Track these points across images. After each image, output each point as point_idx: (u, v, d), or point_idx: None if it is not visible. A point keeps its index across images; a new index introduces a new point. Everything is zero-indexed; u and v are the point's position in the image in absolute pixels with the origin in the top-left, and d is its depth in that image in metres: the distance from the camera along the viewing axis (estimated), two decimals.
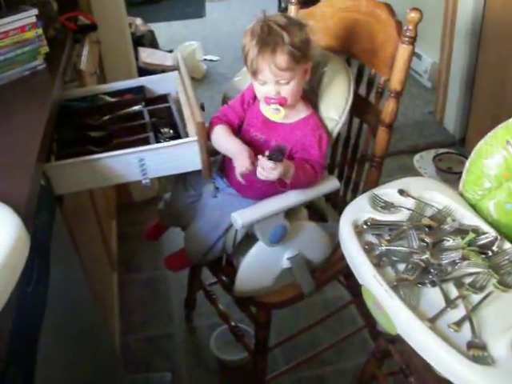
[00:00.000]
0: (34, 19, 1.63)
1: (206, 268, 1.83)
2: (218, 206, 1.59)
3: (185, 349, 2.17)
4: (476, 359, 0.93)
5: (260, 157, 1.34)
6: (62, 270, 1.36)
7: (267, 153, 1.33)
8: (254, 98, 1.57)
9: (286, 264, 1.56)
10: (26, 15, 1.61)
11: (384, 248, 1.18)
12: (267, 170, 1.33)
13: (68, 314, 1.36)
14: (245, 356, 2.01)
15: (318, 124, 1.52)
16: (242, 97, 1.59)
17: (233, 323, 1.98)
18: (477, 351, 0.95)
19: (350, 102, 1.56)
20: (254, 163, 1.40)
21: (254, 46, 1.39)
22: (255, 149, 1.52)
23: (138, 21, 4.19)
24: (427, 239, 1.17)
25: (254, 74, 1.42)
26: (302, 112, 1.52)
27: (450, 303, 1.05)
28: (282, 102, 1.44)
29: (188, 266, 1.77)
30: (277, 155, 1.32)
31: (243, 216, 1.43)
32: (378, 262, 1.15)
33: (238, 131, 1.58)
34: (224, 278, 1.69)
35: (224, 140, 1.53)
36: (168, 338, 2.21)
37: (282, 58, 1.38)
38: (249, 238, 1.54)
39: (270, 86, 1.43)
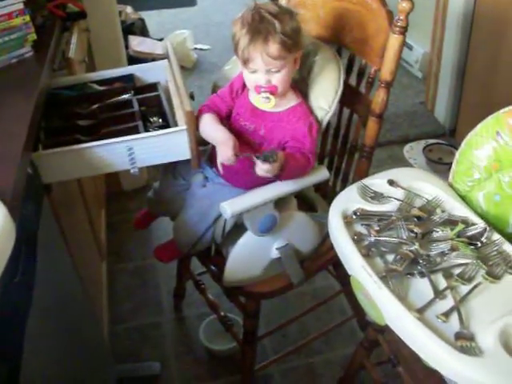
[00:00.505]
0: (21, 6, 1.60)
1: (196, 258, 1.83)
2: (207, 195, 1.58)
3: (173, 338, 2.17)
4: (463, 350, 0.94)
5: (256, 160, 1.36)
6: (50, 260, 1.35)
7: (262, 155, 1.35)
8: (243, 87, 1.56)
9: (275, 254, 1.56)
10: (13, 1, 1.58)
11: (373, 238, 1.18)
12: (264, 170, 1.36)
13: (56, 303, 1.36)
14: (233, 346, 2.01)
15: (308, 112, 1.51)
16: (231, 86, 1.59)
17: (222, 313, 1.97)
18: (464, 342, 0.95)
19: (339, 92, 1.56)
20: (237, 155, 1.41)
21: (245, 34, 1.38)
22: (244, 138, 1.51)
23: (129, 9, 4.16)
24: (416, 230, 1.18)
25: (245, 62, 1.41)
26: (291, 101, 1.52)
27: (438, 294, 1.05)
28: (273, 91, 1.43)
29: (177, 256, 1.77)
30: (272, 156, 1.34)
31: (232, 205, 1.43)
32: (367, 253, 1.15)
33: (226, 120, 1.58)
34: (213, 267, 1.69)
35: (210, 128, 1.52)
36: (157, 328, 2.21)
37: (274, 47, 1.37)
38: (238, 228, 1.54)
39: (261, 74, 1.42)
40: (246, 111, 1.55)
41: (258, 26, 1.37)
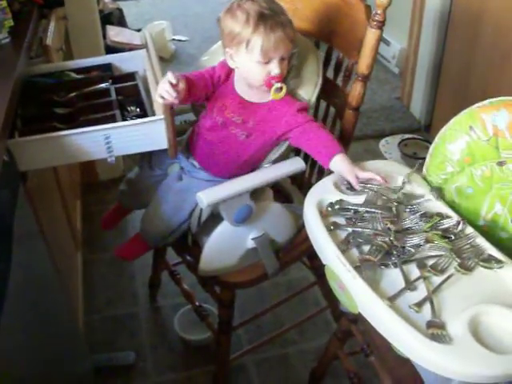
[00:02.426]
0: None
1: (171, 248, 1.83)
2: (182, 189, 1.58)
3: (149, 328, 2.18)
4: (434, 337, 0.96)
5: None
6: (25, 249, 1.34)
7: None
8: (226, 76, 1.55)
9: (250, 244, 1.57)
10: None
11: (348, 229, 1.20)
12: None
13: (30, 293, 1.35)
14: (208, 335, 2.02)
15: (292, 98, 1.52)
16: (214, 70, 1.55)
17: (197, 303, 1.98)
18: (435, 330, 0.97)
19: (319, 85, 1.57)
20: (179, 92, 1.37)
21: (259, 28, 1.37)
22: (231, 129, 1.52)
23: None
24: (391, 227, 1.19)
25: (265, 54, 1.40)
26: None
27: (409, 284, 1.07)
28: (281, 79, 1.45)
29: (143, 253, 1.72)
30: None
31: (208, 195, 1.43)
32: (343, 243, 1.16)
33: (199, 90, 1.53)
34: (189, 257, 1.70)
35: None
36: (132, 318, 2.21)
37: (289, 30, 1.41)
38: (214, 218, 1.54)
39: (275, 63, 1.42)
40: (232, 103, 1.53)
41: (271, 15, 1.38)
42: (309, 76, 1.57)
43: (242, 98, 1.53)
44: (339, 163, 1.39)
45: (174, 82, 1.35)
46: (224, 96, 1.55)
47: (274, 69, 1.43)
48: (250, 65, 1.43)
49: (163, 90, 1.35)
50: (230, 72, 1.54)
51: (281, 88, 1.44)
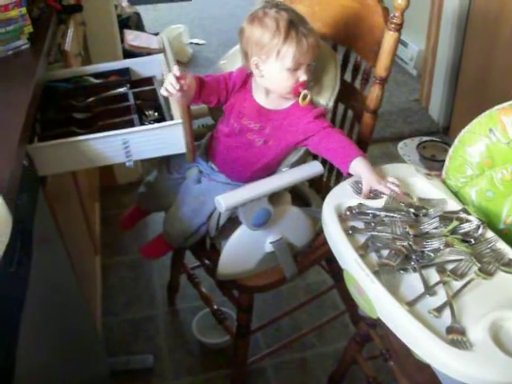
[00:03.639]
0: None
1: (189, 252, 1.83)
2: (202, 192, 1.58)
3: (167, 331, 2.18)
4: (454, 343, 0.95)
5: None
6: (45, 252, 1.35)
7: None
8: (243, 83, 1.55)
9: (268, 248, 1.57)
10: None
11: (367, 233, 1.19)
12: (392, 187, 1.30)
13: (50, 296, 1.36)
14: (226, 339, 2.02)
15: (309, 105, 1.50)
16: (230, 76, 1.55)
17: (215, 306, 1.98)
18: (456, 336, 0.96)
19: (337, 89, 1.57)
20: (183, 87, 1.37)
21: (290, 37, 1.38)
22: (248, 136, 1.53)
23: (124, 2, 4.15)
24: (410, 232, 1.17)
25: (297, 61, 1.40)
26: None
27: (429, 289, 1.06)
28: (306, 86, 1.46)
29: (167, 251, 1.74)
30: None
31: (227, 199, 1.43)
32: (361, 247, 1.15)
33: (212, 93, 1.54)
34: (207, 261, 1.70)
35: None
36: (150, 321, 2.22)
37: (317, 36, 1.44)
38: (232, 222, 1.54)
39: (302, 70, 1.43)
40: (251, 111, 1.53)
41: (298, 22, 1.39)
42: (327, 80, 1.56)
43: (259, 106, 1.53)
44: (357, 169, 1.36)
45: (177, 74, 1.35)
46: (241, 103, 1.55)
47: (302, 75, 1.43)
48: (278, 73, 1.43)
49: (167, 82, 1.36)
50: (247, 79, 1.54)
51: (306, 95, 1.44)
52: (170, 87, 1.36)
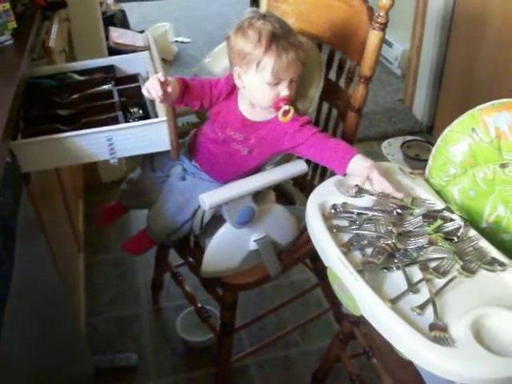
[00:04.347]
0: None
1: (174, 249, 1.83)
2: (186, 189, 1.58)
3: (151, 330, 2.18)
4: (437, 340, 0.95)
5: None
6: (28, 249, 1.34)
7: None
8: (229, 92, 1.52)
9: (252, 246, 1.57)
10: None
11: (351, 232, 1.19)
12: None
13: (33, 293, 1.35)
14: (210, 337, 2.02)
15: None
16: (217, 84, 1.52)
17: (199, 305, 1.98)
18: (438, 332, 0.97)
19: (320, 86, 1.57)
20: (166, 92, 1.34)
21: (271, 49, 1.36)
22: (233, 146, 1.52)
23: (110, 0, 4.14)
24: (394, 230, 1.18)
25: (277, 77, 1.38)
26: None
27: (411, 286, 1.07)
28: (289, 101, 1.43)
29: (150, 247, 1.74)
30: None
31: (211, 197, 1.43)
32: (345, 245, 1.16)
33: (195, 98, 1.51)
34: (191, 259, 1.70)
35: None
36: (134, 319, 2.21)
37: (301, 52, 1.40)
38: (216, 220, 1.54)
39: (284, 85, 1.40)
40: (235, 122, 1.51)
41: (282, 36, 1.37)
42: (311, 77, 1.57)
43: (244, 117, 1.51)
44: (355, 167, 1.36)
45: (162, 79, 1.33)
46: (226, 113, 1.53)
47: (283, 91, 1.41)
48: (259, 85, 1.41)
49: (151, 86, 1.33)
50: (233, 89, 1.52)
51: (288, 110, 1.42)
52: (152, 91, 1.34)
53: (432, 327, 0.98)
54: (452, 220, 1.22)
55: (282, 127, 1.48)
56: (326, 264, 1.16)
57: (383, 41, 1.44)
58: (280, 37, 1.36)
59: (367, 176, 1.31)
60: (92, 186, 2.84)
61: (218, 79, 1.54)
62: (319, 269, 1.90)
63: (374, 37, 1.43)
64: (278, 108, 1.43)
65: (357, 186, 1.32)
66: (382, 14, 1.39)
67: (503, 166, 1.22)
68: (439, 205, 1.27)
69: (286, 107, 1.42)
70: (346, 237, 1.19)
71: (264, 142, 1.51)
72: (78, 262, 2.28)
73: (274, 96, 1.42)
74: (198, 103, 1.52)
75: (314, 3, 1.63)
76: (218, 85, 1.52)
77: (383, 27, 1.41)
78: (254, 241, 1.57)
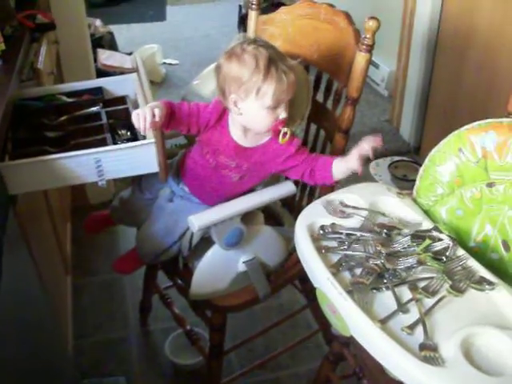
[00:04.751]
0: None
1: (162, 271, 1.82)
2: (175, 211, 1.58)
3: (139, 353, 2.16)
4: (427, 360, 0.95)
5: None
6: (15, 272, 1.33)
7: None
8: (218, 118, 1.50)
9: (241, 267, 1.57)
10: None
11: (340, 252, 1.19)
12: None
13: (19, 316, 1.34)
14: (199, 360, 2.00)
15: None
16: (205, 110, 1.50)
17: (188, 327, 1.97)
18: (428, 352, 0.97)
19: (308, 108, 1.58)
20: (156, 123, 1.34)
21: (269, 75, 1.34)
22: (225, 172, 1.53)
23: (98, 22, 4.15)
24: (383, 250, 1.18)
25: (277, 99, 1.38)
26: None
27: (401, 306, 1.07)
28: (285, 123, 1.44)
29: (139, 267, 1.73)
30: None
31: (200, 219, 1.43)
32: (334, 266, 1.16)
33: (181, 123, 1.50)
34: (180, 281, 1.69)
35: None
36: (122, 342, 2.19)
37: (295, 72, 1.40)
38: (205, 241, 1.54)
39: (282, 108, 1.40)
40: (228, 149, 1.50)
41: (278, 59, 1.37)
42: (299, 99, 1.57)
43: (237, 144, 1.50)
44: (339, 165, 1.47)
45: (155, 119, 1.33)
46: (217, 140, 1.51)
47: (282, 113, 1.41)
48: (258, 111, 1.40)
49: (142, 119, 1.33)
50: (223, 114, 1.50)
51: (286, 132, 1.43)
52: (141, 124, 1.33)
53: (422, 347, 0.98)
54: (440, 239, 1.22)
55: (273, 149, 1.49)
56: (315, 285, 1.16)
57: (370, 62, 1.46)
58: (277, 60, 1.36)
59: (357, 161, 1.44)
60: (80, 208, 2.82)
61: (206, 105, 1.51)
62: (308, 290, 1.90)
63: (360, 58, 1.44)
64: (276, 131, 1.43)
65: (344, 206, 1.32)
66: (368, 36, 1.41)
67: (490, 185, 1.23)
68: (427, 225, 1.27)
69: (285, 129, 1.42)
70: (335, 257, 1.19)
71: (256, 167, 1.52)
72: (66, 285, 2.26)
73: (273, 120, 1.41)
74: (185, 129, 1.51)
75: (302, 26, 1.64)
76: (206, 112, 1.50)
77: (370, 49, 1.43)
78: (243, 262, 1.56)
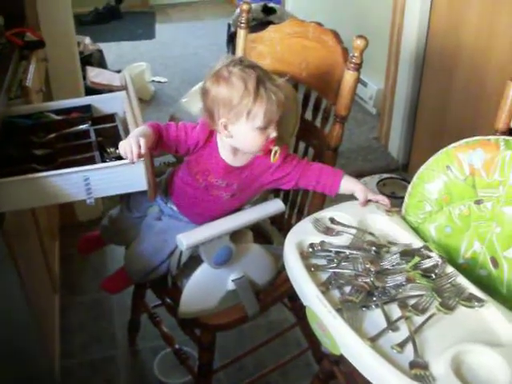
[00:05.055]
0: None
1: (150, 290, 1.81)
2: (163, 230, 1.58)
3: (128, 372, 2.13)
4: (417, 378, 0.95)
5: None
6: (1, 290, 1.32)
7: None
8: (206, 139, 1.48)
9: (230, 286, 1.56)
10: None
11: (330, 270, 1.19)
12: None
13: (5, 336, 1.33)
14: (188, 379, 1.98)
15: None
16: (193, 131, 1.48)
17: (177, 346, 1.95)
18: (419, 370, 0.97)
19: (297, 127, 1.59)
20: (141, 155, 1.32)
21: (260, 97, 1.33)
22: (215, 192, 1.52)
23: (87, 40, 4.16)
24: (372, 268, 1.18)
25: (269, 119, 1.37)
26: None
27: (391, 324, 1.07)
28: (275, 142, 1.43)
29: (127, 286, 1.71)
30: None
31: (188, 237, 1.43)
32: (324, 284, 1.16)
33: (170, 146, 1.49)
34: (168, 299, 1.68)
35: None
36: (110, 362, 2.17)
37: (284, 89, 1.40)
38: (194, 260, 1.53)
39: (272, 127, 1.39)
40: (218, 169, 1.49)
41: (266, 79, 1.36)
42: (287, 117, 1.58)
43: (227, 164, 1.49)
44: (349, 184, 1.47)
45: (141, 151, 1.31)
46: (207, 160, 1.50)
47: (272, 132, 1.40)
48: (249, 133, 1.38)
49: (128, 150, 1.31)
50: (210, 136, 1.48)
51: (277, 151, 1.42)
52: (128, 156, 1.32)
53: (412, 365, 0.98)
54: (429, 257, 1.22)
55: (263, 164, 1.49)
56: (305, 303, 1.15)
57: (358, 80, 1.47)
58: (265, 80, 1.35)
59: (366, 200, 1.41)
60: (68, 226, 2.81)
61: (193, 126, 1.49)
62: (298, 308, 1.89)
63: (349, 77, 1.45)
64: (267, 151, 1.43)
65: (334, 224, 1.33)
66: (356, 54, 1.42)
67: (478, 202, 1.24)
68: (416, 242, 1.27)
69: (276, 148, 1.42)
70: (324, 275, 1.19)
71: (246, 184, 1.52)
72: (54, 303, 2.24)
73: (264, 140, 1.40)
74: (173, 150, 1.49)
75: (290, 44, 1.65)
76: (193, 133, 1.48)
77: (358, 67, 1.44)
78: (232, 281, 1.56)
